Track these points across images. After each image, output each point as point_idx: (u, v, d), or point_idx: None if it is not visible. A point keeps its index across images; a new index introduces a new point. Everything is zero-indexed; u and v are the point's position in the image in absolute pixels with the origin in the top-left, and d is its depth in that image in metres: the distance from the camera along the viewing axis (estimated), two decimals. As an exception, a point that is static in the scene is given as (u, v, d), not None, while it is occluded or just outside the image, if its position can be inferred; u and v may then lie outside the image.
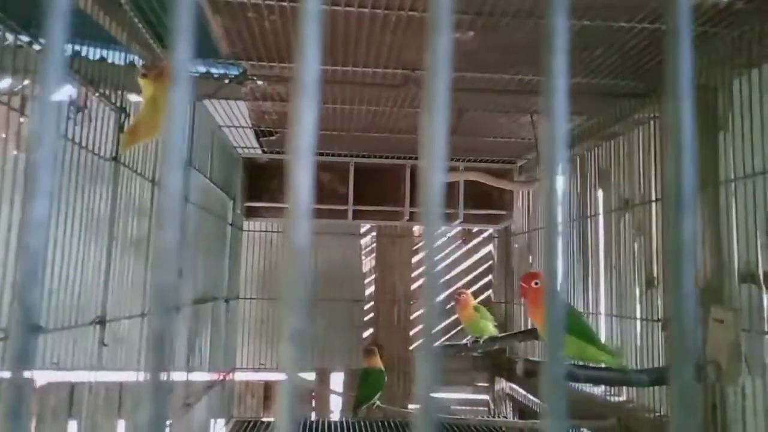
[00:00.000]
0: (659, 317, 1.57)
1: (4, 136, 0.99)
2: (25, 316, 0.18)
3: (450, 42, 0.20)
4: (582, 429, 1.79)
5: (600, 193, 2.02)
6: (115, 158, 1.22)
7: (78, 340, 1.10)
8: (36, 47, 0.99)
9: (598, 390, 1.91)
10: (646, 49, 1.42)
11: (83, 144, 1.12)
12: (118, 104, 1.26)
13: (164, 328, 0.18)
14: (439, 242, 0.20)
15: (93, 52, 1.28)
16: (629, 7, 1.23)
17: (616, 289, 1.83)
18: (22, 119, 1.00)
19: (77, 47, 1.22)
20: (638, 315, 1.70)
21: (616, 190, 1.88)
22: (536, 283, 1.43)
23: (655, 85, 1.64)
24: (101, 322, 1.17)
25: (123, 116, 1.26)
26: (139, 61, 1.40)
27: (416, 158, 2.57)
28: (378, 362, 2.21)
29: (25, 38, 0.96)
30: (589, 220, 2.06)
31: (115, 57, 1.34)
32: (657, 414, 1.55)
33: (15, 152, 1.01)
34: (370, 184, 2.59)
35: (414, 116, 1.99)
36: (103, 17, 1.22)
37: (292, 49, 1.47)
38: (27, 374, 0.20)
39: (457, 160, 2.54)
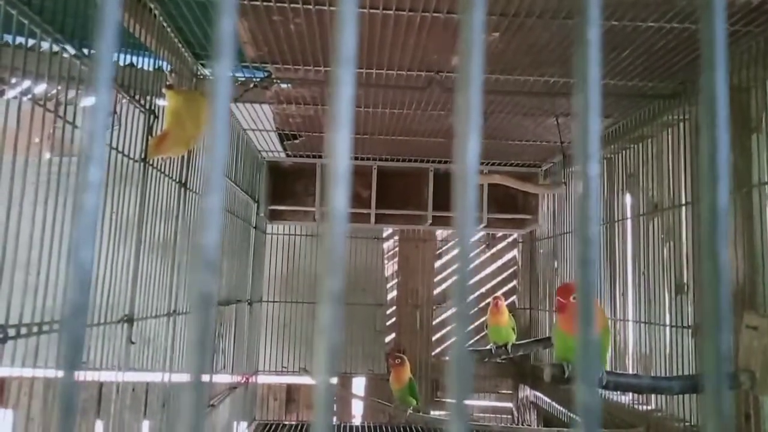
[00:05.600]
0: (689, 324, 1.53)
1: (38, 140, 1.02)
2: (76, 310, 0.19)
3: (482, 42, 0.19)
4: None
5: (628, 197, 1.98)
6: (144, 159, 1.25)
7: (107, 339, 1.12)
8: (70, 53, 1.02)
9: (627, 398, 1.87)
10: (675, 49, 1.39)
11: (113, 145, 1.14)
12: (147, 107, 1.28)
13: (205, 327, 0.18)
14: (472, 247, 0.20)
15: (123, 58, 1.31)
16: (658, 7, 1.21)
17: (645, 295, 1.80)
18: (56, 124, 1.03)
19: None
20: (667, 322, 1.66)
21: (644, 193, 1.84)
22: (575, 298, 1.38)
23: (684, 86, 1.61)
24: (129, 320, 1.19)
25: (152, 118, 1.28)
26: (167, 67, 1.43)
27: (440, 161, 2.56)
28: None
29: (59, 45, 0.99)
30: (616, 224, 2.02)
31: (144, 62, 1.36)
32: (686, 423, 1.50)
33: (48, 155, 1.04)
34: (393, 187, 2.59)
35: (438, 119, 1.98)
36: (132, 23, 1.25)
37: (317, 52, 1.48)
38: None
39: (482, 163, 2.53)
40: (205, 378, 0.18)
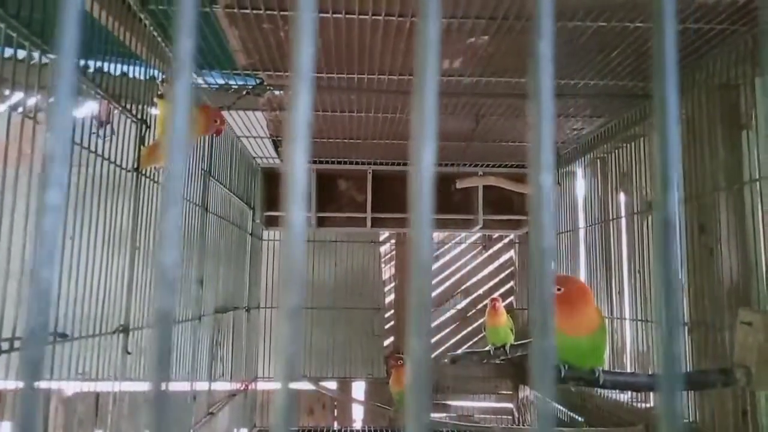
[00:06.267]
0: (685, 321, 1.54)
1: (30, 152, 1.02)
2: (39, 310, 0.19)
3: (438, 35, 0.20)
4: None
5: (622, 196, 1.99)
6: (136, 169, 1.25)
7: (103, 349, 1.12)
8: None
9: (626, 396, 1.87)
10: (665, 49, 1.40)
11: (106, 156, 1.15)
12: (140, 116, 1.29)
13: (167, 309, 0.18)
14: (430, 253, 0.20)
15: (115, 68, 1.31)
16: (645, 8, 1.22)
17: (641, 293, 1.80)
18: (48, 135, 1.03)
19: (99, 63, 1.25)
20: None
21: (638, 192, 1.85)
22: (559, 289, 1.39)
23: (675, 84, 1.62)
24: (125, 330, 1.19)
25: (144, 128, 1.29)
26: (159, 76, 1.43)
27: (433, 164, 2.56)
28: None
29: (49, 56, 0.99)
30: (611, 223, 2.03)
31: (137, 71, 1.37)
32: (685, 420, 1.51)
33: (40, 167, 1.04)
34: (388, 191, 2.59)
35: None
36: (124, 33, 1.25)
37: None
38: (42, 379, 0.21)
39: (476, 165, 2.53)
40: (165, 392, 0.18)
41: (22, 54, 0.97)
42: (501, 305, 2.10)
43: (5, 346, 0.86)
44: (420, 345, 0.18)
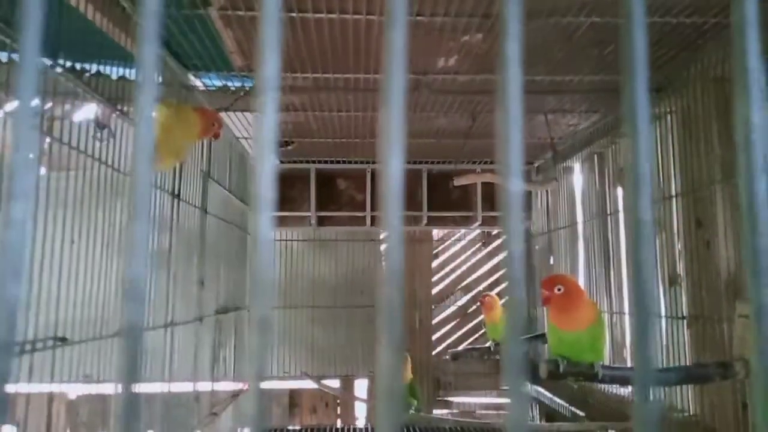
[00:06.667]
0: (684, 314, 1.54)
1: (31, 156, 1.03)
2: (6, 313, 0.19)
3: (404, 37, 0.20)
4: (610, 430, 1.76)
5: (620, 190, 2.00)
6: (134, 173, 1.26)
7: (104, 353, 1.13)
8: (58, 69, 1.03)
9: (625, 390, 1.88)
10: (659, 43, 1.41)
11: (104, 159, 1.15)
12: (137, 120, 1.29)
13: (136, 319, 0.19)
14: (400, 250, 0.20)
15: (114, 71, 1.32)
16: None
17: (640, 287, 1.80)
18: (48, 140, 1.04)
19: (99, 67, 1.26)
20: (662, 313, 1.67)
21: (635, 186, 1.85)
22: (559, 289, 1.38)
23: (669, 79, 1.62)
24: (126, 332, 1.20)
25: (141, 132, 1.29)
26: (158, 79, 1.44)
27: (432, 162, 2.57)
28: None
29: (46, 61, 1.00)
30: (609, 217, 2.03)
31: (134, 74, 1.37)
32: (684, 413, 1.51)
33: (44, 171, 1.05)
34: (387, 190, 2.59)
35: (428, 120, 2.00)
36: (121, 36, 1.25)
37: (304, 60, 1.50)
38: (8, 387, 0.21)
39: (473, 162, 2.54)
40: (136, 404, 0.19)
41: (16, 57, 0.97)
42: (491, 300, 2.10)
43: None
44: (390, 359, 0.18)
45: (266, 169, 0.19)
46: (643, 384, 0.18)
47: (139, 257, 0.18)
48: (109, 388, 1.19)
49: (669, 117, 1.66)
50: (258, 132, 0.20)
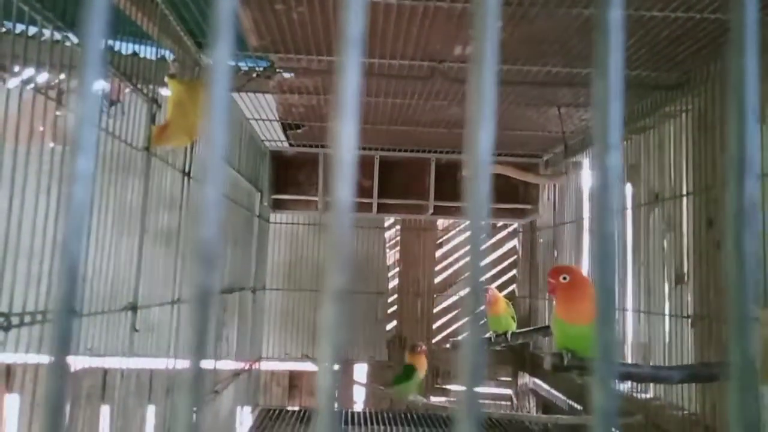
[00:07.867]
0: (689, 314, 1.54)
1: (42, 129, 1.03)
2: (69, 273, 0.19)
3: (496, 31, 0.20)
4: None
5: (629, 187, 1.99)
6: (147, 149, 1.25)
7: (111, 326, 1.14)
8: (73, 41, 1.02)
9: (625, 386, 1.89)
10: (679, 39, 1.39)
11: (116, 134, 1.15)
12: (150, 96, 1.29)
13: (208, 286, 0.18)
14: (483, 236, 0.20)
15: (126, 47, 1.31)
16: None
17: (644, 285, 1.80)
18: (58, 112, 1.03)
19: (110, 42, 1.25)
20: (667, 311, 1.67)
21: (645, 183, 1.85)
22: (564, 278, 1.39)
23: (687, 76, 1.60)
24: (133, 308, 1.20)
25: (155, 107, 1.29)
26: (170, 56, 1.43)
27: (441, 152, 2.56)
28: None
29: (61, 33, 0.99)
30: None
31: (147, 51, 1.36)
32: (685, 411, 1.52)
33: (52, 144, 1.04)
34: (394, 177, 2.59)
35: (440, 109, 1.98)
36: (135, 12, 1.24)
37: (320, 42, 1.48)
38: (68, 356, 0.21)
39: (483, 153, 2.52)
40: (204, 370, 0.19)
41: (33, 30, 0.96)
42: (493, 293, 2.10)
43: (16, 321, 0.87)
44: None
45: (347, 132, 0.19)
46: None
47: (211, 219, 0.18)
48: (113, 362, 1.19)
49: (683, 115, 1.64)
50: (340, 92, 0.19)
